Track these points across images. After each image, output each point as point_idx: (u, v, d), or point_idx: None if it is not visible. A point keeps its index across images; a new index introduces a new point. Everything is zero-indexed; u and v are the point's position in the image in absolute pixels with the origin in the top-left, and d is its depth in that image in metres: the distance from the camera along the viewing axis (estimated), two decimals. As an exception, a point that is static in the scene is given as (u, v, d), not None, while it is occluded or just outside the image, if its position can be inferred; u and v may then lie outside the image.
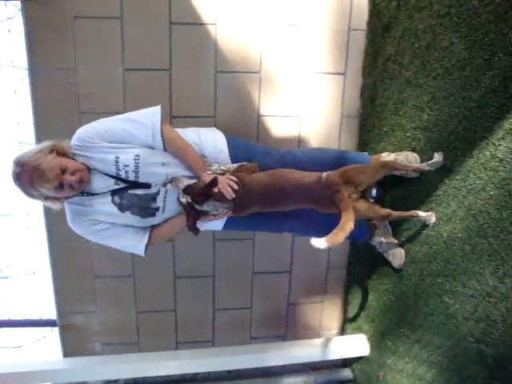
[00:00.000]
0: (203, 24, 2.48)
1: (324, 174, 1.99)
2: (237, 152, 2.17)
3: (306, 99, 2.68)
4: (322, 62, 2.66)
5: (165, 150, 2.01)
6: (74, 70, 2.44)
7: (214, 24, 2.49)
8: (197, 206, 1.91)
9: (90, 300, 2.85)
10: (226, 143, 2.17)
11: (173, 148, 2.02)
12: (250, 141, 2.45)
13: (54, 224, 2.61)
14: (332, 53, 2.65)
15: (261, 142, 2.67)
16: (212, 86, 2.57)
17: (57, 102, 2.47)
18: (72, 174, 1.87)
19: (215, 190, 1.90)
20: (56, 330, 2.94)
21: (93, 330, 2.93)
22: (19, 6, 2.34)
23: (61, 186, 1.86)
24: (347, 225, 1.82)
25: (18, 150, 2.64)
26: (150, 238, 2.07)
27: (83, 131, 1.98)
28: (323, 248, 1.78)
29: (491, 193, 1.77)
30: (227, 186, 1.92)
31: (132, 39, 2.44)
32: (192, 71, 2.54)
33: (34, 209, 2.81)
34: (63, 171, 1.85)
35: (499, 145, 1.72)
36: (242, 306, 3.06)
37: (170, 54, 2.49)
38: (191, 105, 2.56)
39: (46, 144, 1.92)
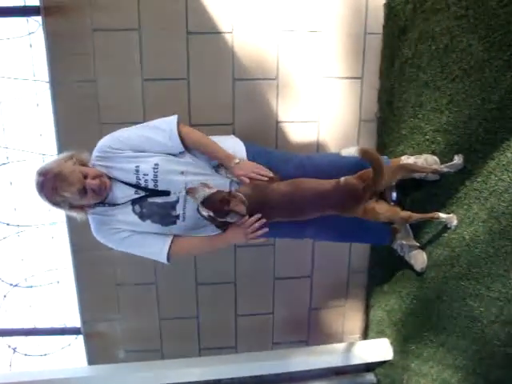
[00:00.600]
0: (220, 33, 2.50)
1: (342, 179, 2.00)
2: (256, 159, 2.17)
3: (323, 104, 2.69)
4: (339, 66, 2.66)
5: (185, 148, 2.04)
6: (93, 82, 2.48)
7: (231, 32, 2.51)
8: (219, 219, 1.90)
9: (114, 308, 2.88)
10: (245, 150, 2.18)
11: (192, 142, 2.05)
12: (268, 147, 2.46)
13: (77, 234, 2.65)
14: (349, 57, 2.65)
15: (279, 148, 2.68)
16: (230, 93, 2.59)
17: (78, 114, 2.51)
18: (93, 178, 1.90)
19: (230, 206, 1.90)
20: (80, 337, 2.98)
21: (116, 338, 2.97)
22: (40, 21, 2.40)
23: (84, 191, 1.88)
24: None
25: (40, 161, 2.68)
26: (170, 246, 2.04)
27: (104, 141, 2.02)
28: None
29: (514, 195, 1.76)
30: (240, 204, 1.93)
31: (150, 50, 2.48)
32: (210, 79, 2.56)
33: (57, 219, 2.86)
34: (85, 176, 1.89)
35: (521, 146, 1.71)
36: (263, 312, 3.07)
37: (188, 64, 2.52)
38: (210, 113, 2.58)
39: (65, 154, 1.97)
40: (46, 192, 1.86)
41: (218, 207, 1.86)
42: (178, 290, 2.91)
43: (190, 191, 1.89)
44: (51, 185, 1.84)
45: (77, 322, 2.96)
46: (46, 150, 2.72)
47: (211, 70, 2.56)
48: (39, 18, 2.40)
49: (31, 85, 2.66)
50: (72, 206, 1.94)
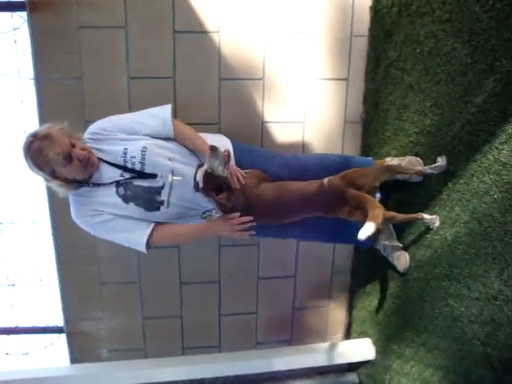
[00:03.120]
0: (207, 32, 2.51)
1: (325, 180, 2.01)
2: (242, 157, 2.20)
3: (309, 105, 2.70)
4: (325, 68, 2.68)
5: (175, 136, 2.11)
6: (79, 79, 2.47)
7: (218, 32, 2.51)
8: (202, 192, 1.91)
9: (97, 306, 2.86)
10: (231, 148, 2.20)
11: (180, 132, 2.13)
12: (254, 146, 2.48)
13: (61, 232, 2.63)
14: (334, 59, 2.67)
15: (265, 148, 2.69)
16: (216, 93, 2.59)
17: (62, 111, 2.49)
18: (81, 150, 1.91)
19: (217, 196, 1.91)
20: (63, 336, 2.95)
21: (99, 337, 2.95)
22: (25, 17, 2.37)
23: (69, 158, 1.86)
24: (377, 209, 1.88)
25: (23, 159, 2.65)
26: (152, 233, 2.03)
27: (95, 125, 2.07)
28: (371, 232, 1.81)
29: (495, 196, 1.78)
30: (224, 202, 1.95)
31: (136, 48, 2.47)
32: (196, 79, 2.56)
33: (40, 217, 2.83)
34: (73, 145, 1.89)
35: (502, 149, 1.73)
36: (247, 312, 3.07)
37: (174, 62, 2.51)
38: (195, 112, 2.58)
39: (56, 122, 1.95)
40: (32, 153, 1.84)
41: (210, 187, 1.88)
42: (161, 289, 2.90)
43: (213, 149, 1.83)
44: (38, 144, 1.83)
45: (59, 321, 2.93)
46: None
47: (197, 69, 2.55)
48: (24, 14, 2.37)
49: (15, 81, 2.64)
50: (55, 175, 1.90)
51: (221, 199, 1.91)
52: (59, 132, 1.89)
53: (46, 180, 1.94)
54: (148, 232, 2.03)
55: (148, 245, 2.04)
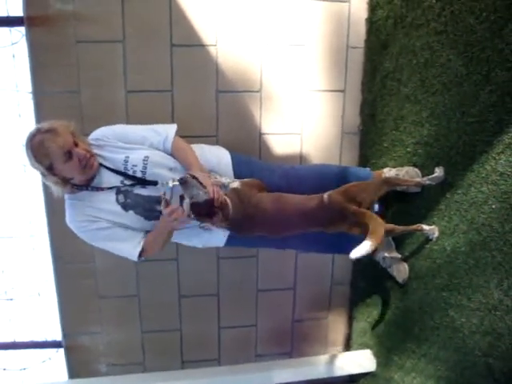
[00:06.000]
0: (204, 45, 2.52)
1: (325, 196, 1.98)
2: (240, 169, 2.20)
3: (306, 117, 2.71)
4: (322, 79, 2.69)
5: (171, 153, 2.08)
6: (77, 93, 2.47)
7: (215, 45, 2.53)
8: (197, 220, 1.89)
9: (95, 321, 2.85)
10: (230, 159, 2.20)
11: (178, 155, 2.08)
12: (253, 157, 2.48)
13: (59, 246, 2.62)
14: (331, 70, 2.69)
15: (263, 159, 2.69)
16: (213, 105, 2.60)
17: (60, 125, 2.49)
18: (83, 150, 1.90)
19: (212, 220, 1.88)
20: (61, 351, 2.93)
21: (98, 351, 2.93)
22: (23, 32, 2.39)
23: (70, 155, 1.85)
24: (378, 227, 1.84)
25: (22, 173, 2.65)
26: (145, 242, 2.02)
27: (98, 131, 2.08)
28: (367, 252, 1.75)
29: (493, 206, 1.78)
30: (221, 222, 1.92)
31: (134, 62, 2.48)
32: (193, 92, 2.57)
33: (38, 231, 2.82)
34: (75, 144, 1.88)
35: (499, 159, 1.73)
36: (247, 324, 3.06)
37: (172, 76, 2.52)
38: (193, 125, 2.58)
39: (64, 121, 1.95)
40: (33, 145, 1.83)
41: (201, 214, 1.85)
42: (160, 303, 2.88)
43: (182, 182, 1.79)
44: (40, 137, 1.83)
45: (58, 336, 2.91)
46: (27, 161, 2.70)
47: (195, 82, 2.57)
48: (22, 29, 2.39)
49: (13, 95, 2.64)
50: (53, 172, 1.87)
51: (218, 222, 1.90)
52: (64, 128, 1.89)
53: (43, 175, 1.90)
54: (142, 243, 2.01)
55: (141, 254, 2.02)
